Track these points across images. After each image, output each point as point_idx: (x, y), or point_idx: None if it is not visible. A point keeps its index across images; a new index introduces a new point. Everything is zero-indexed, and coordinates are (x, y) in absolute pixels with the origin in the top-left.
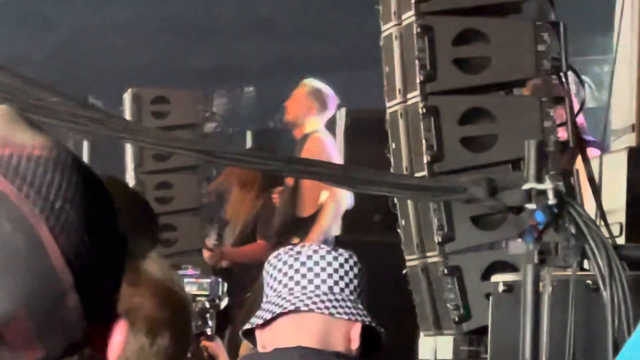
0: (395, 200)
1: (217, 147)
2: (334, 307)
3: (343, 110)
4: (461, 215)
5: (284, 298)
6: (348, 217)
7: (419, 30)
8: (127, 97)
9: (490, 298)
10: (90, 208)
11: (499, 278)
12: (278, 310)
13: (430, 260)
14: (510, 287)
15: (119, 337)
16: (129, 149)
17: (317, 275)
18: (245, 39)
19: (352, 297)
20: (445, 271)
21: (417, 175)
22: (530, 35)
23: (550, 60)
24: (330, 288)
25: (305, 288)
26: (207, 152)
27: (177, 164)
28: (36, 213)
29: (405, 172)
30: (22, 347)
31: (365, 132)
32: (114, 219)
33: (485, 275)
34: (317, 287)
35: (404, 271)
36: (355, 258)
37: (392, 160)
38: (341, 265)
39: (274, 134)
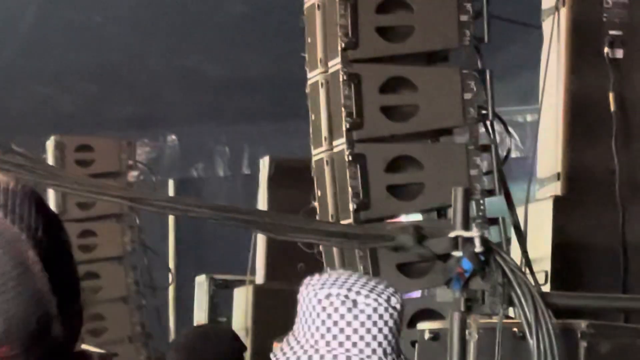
0: (321, 247)
1: (145, 194)
2: None
3: (267, 159)
4: (387, 262)
5: None
6: (271, 266)
7: (345, 77)
8: (50, 144)
9: (417, 346)
10: (62, 239)
11: (426, 326)
12: None
13: None
14: (436, 335)
15: None
16: (51, 196)
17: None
18: (169, 88)
19: None
20: None
21: (343, 222)
22: (457, 83)
23: (476, 108)
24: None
25: None
26: (135, 199)
27: (101, 212)
28: (23, 239)
29: (331, 220)
30: None
31: (289, 181)
32: (72, 256)
33: (412, 323)
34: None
35: None
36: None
37: (317, 207)
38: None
39: (196, 183)
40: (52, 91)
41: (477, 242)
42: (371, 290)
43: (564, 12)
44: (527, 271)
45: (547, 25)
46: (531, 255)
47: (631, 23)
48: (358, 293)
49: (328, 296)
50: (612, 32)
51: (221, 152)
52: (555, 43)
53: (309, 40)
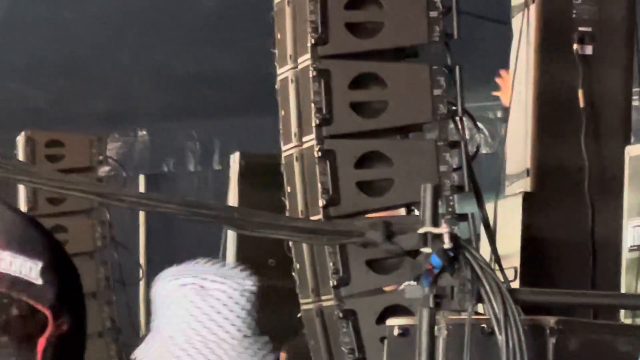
0: (291, 243)
1: (114, 190)
2: None
3: (237, 155)
4: (357, 258)
5: None
6: (242, 261)
7: (315, 73)
8: (20, 140)
9: (385, 342)
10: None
11: (394, 322)
12: None
13: (325, 304)
14: (405, 331)
15: None
16: (21, 192)
17: None
18: (140, 83)
19: None
20: (341, 315)
21: (312, 218)
22: (426, 79)
23: (446, 104)
24: None
25: None
26: (105, 195)
27: (72, 207)
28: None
29: (300, 216)
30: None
31: (259, 176)
32: None
33: (381, 319)
34: None
35: (299, 315)
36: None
37: (287, 204)
38: None
39: (167, 179)
40: (22, 86)
41: (446, 238)
42: (224, 276)
43: (533, 8)
44: (497, 267)
45: (516, 21)
46: (500, 251)
47: (601, 19)
48: (212, 280)
49: (182, 286)
50: (581, 29)
51: (192, 147)
52: (524, 39)
53: (279, 36)
